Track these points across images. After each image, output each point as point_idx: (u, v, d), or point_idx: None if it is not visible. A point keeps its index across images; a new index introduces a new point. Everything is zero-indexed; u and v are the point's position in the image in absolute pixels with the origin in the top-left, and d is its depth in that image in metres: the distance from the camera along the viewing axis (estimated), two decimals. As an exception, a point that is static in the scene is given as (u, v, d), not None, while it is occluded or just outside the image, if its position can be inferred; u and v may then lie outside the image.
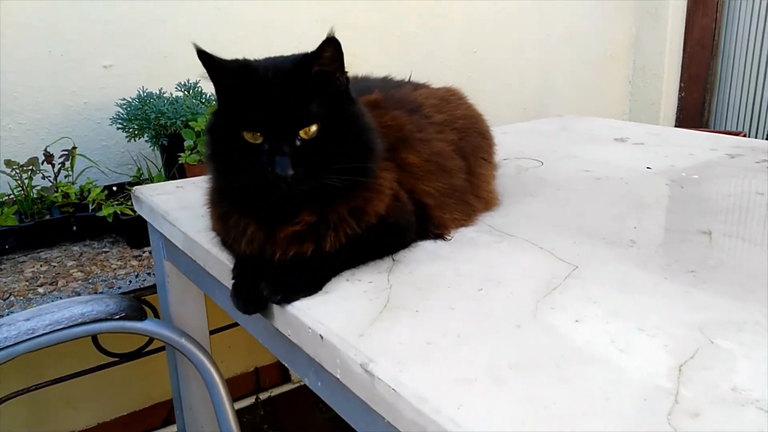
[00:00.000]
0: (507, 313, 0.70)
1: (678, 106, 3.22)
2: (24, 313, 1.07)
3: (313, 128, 0.74)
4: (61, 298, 1.39)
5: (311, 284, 0.76)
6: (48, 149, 1.63)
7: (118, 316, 1.11)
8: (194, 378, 1.26)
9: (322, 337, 0.67)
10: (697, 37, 3.10)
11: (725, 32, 3.10)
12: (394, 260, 0.86)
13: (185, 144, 1.58)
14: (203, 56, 0.74)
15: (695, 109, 3.19)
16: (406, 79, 1.17)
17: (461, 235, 0.95)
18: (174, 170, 1.66)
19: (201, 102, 1.72)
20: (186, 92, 1.76)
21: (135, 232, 1.54)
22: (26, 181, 1.58)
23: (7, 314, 1.33)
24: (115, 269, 1.48)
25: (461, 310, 0.71)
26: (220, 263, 0.89)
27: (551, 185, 1.23)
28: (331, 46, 0.74)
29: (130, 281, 1.46)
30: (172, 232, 1.08)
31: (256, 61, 0.80)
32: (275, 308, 0.76)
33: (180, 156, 1.58)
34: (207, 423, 1.38)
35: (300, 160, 0.73)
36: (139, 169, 1.77)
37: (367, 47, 2.27)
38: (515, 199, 1.12)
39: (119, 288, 1.45)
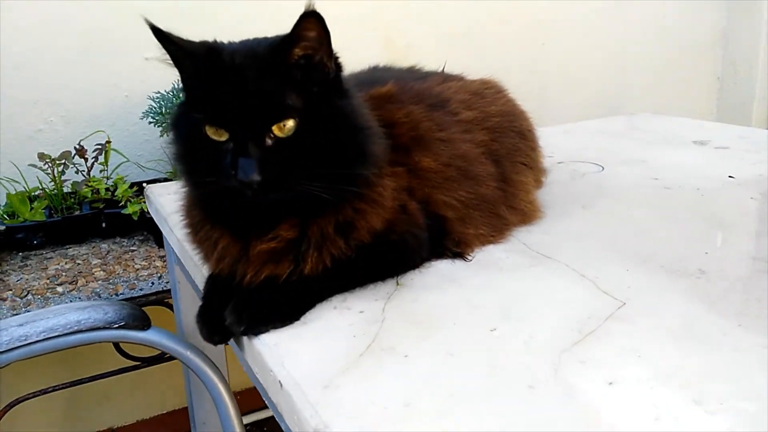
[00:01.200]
0: (520, 366, 0.55)
1: (776, 106, 2.87)
2: (18, 318, 1.00)
3: (290, 124, 0.61)
4: (80, 298, 1.33)
5: (285, 313, 0.63)
6: (82, 143, 1.59)
7: (117, 325, 1.02)
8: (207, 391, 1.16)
9: (281, 384, 0.54)
10: (801, 28, 2.75)
11: (835, 22, 2.73)
12: (398, 284, 0.72)
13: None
14: (159, 35, 0.63)
15: (796, 110, 2.83)
16: (440, 70, 1.02)
17: (487, 254, 0.80)
18: (205, 167, 1.57)
19: (237, 95, 1.63)
20: (223, 85, 1.67)
21: (163, 229, 1.47)
22: (58, 176, 1.54)
23: (24, 312, 1.28)
24: (138, 270, 1.41)
25: (463, 358, 0.56)
26: (203, 278, 0.78)
27: (609, 195, 1.04)
28: (312, 22, 0.61)
29: (152, 283, 1.39)
30: (170, 236, 0.98)
31: (227, 43, 0.68)
32: (245, 338, 0.64)
33: (210, 152, 1.49)
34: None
35: (271, 162, 0.61)
36: (174, 165, 1.71)
37: (425, 37, 2.13)
38: (562, 210, 0.96)
39: (141, 290, 1.39)
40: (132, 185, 1.57)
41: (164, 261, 1.44)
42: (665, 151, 1.33)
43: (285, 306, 0.63)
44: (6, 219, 1.46)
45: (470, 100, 0.89)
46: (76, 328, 1.00)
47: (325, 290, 0.67)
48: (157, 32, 0.62)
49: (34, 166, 1.53)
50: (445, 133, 0.81)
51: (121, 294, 1.37)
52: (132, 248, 1.52)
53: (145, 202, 1.48)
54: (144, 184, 1.61)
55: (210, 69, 0.63)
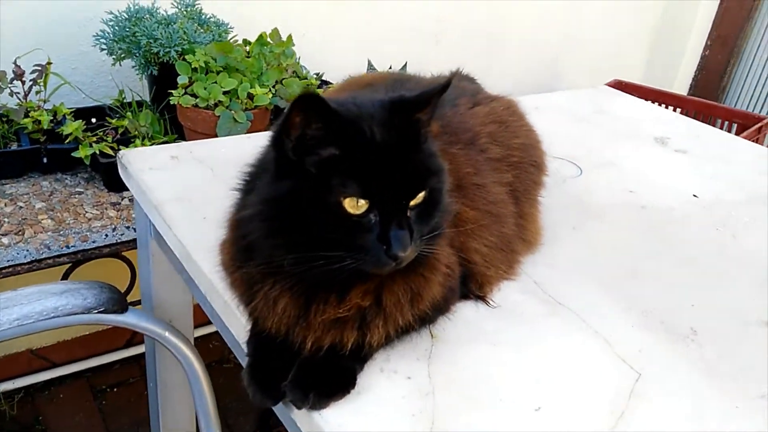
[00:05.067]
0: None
1: (698, 67, 3.04)
2: (-12, 301, 0.92)
3: (423, 193, 0.62)
4: (27, 251, 1.24)
5: (345, 384, 0.64)
6: (18, 62, 1.40)
7: (96, 311, 0.98)
8: (176, 367, 1.15)
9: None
10: (737, -8, 2.86)
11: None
12: (432, 336, 0.74)
13: (179, 81, 1.37)
14: (322, 108, 0.57)
15: (715, 73, 3.01)
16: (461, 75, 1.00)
17: (504, 296, 0.83)
18: (163, 107, 1.45)
19: (200, 26, 1.49)
20: (184, 11, 1.51)
21: (114, 173, 1.37)
22: (-10, 100, 1.37)
23: (-34, 268, 1.18)
24: (90, 219, 1.32)
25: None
26: (225, 305, 0.76)
27: (594, 212, 1.10)
28: (438, 94, 0.62)
29: (106, 235, 1.32)
30: (165, 232, 0.92)
31: (353, 105, 0.63)
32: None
33: (172, 93, 1.37)
34: (185, 411, 1.30)
35: (413, 233, 0.61)
36: (121, 92, 1.56)
37: None
38: (558, 234, 1.00)
39: (94, 242, 1.31)
40: (75, 114, 1.42)
41: (117, 209, 1.36)
42: (632, 150, 1.39)
43: (344, 376, 0.64)
44: (-69, 149, 1.30)
45: (496, 133, 0.88)
46: (53, 315, 0.94)
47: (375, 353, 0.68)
48: (315, 100, 0.57)
49: (-38, 88, 1.34)
50: (480, 178, 0.81)
51: (72, 246, 1.29)
52: (78, 189, 1.41)
53: (97, 142, 1.37)
54: (93, 120, 1.48)
55: (354, 140, 0.59)
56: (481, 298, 0.81)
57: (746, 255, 1.03)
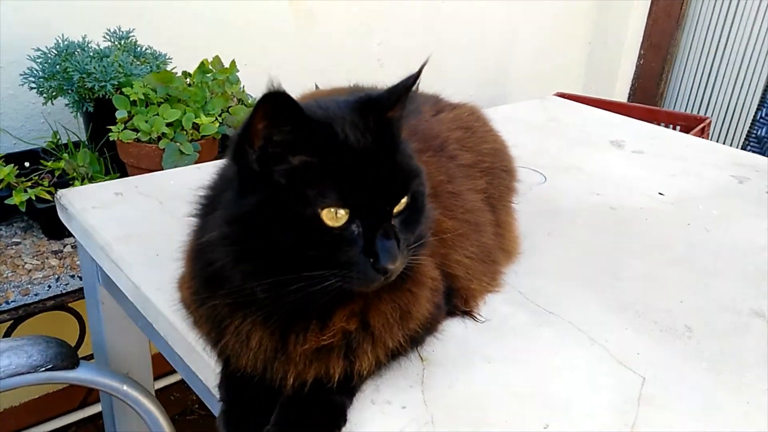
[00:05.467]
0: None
1: (635, 75, 3.12)
2: None
3: (406, 199, 0.56)
4: (-39, 311, 1.12)
5: (335, 421, 0.57)
6: (-64, 107, 1.29)
7: (43, 368, 0.88)
8: (137, 423, 1.05)
9: None
10: (664, 3, 2.97)
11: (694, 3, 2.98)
12: (422, 359, 0.68)
13: (118, 115, 1.29)
14: (283, 104, 0.50)
15: (652, 80, 3.10)
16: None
17: (491, 309, 0.78)
18: (102, 145, 1.36)
19: (136, 58, 1.41)
20: (118, 43, 1.44)
21: (53, 219, 1.26)
22: None
23: None
24: (30, 270, 1.21)
25: (533, 472, 0.55)
26: (189, 348, 0.68)
27: (565, 217, 1.07)
28: (407, 90, 0.57)
29: (49, 286, 1.21)
30: (116, 275, 0.84)
31: (319, 108, 0.57)
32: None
33: (111, 130, 1.29)
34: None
35: (400, 242, 0.55)
36: (56, 133, 1.46)
37: None
38: (534, 241, 0.96)
39: (36, 295, 1.20)
40: (5, 159, 1.31)
41: (59, 258, 1.25)
42: (591, 154, 1.38)
43: (334, 412, 0.57)
44: None
45: (464, 139, 0.84)
46: (-7, 377, 0.84)
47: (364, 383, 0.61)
48: (281, 98, 0.50)
49: None
50: (454, 185, 0.76)
51: (12, 301, 1.18)
52: (15, 240, 1.30)
53: (32, 187, 1.26)
54: (27, 164, 1.37)
55: (327, 144, 0.53)
56: (468, 313, 0.76)
57: (723, 247, 1.01)
